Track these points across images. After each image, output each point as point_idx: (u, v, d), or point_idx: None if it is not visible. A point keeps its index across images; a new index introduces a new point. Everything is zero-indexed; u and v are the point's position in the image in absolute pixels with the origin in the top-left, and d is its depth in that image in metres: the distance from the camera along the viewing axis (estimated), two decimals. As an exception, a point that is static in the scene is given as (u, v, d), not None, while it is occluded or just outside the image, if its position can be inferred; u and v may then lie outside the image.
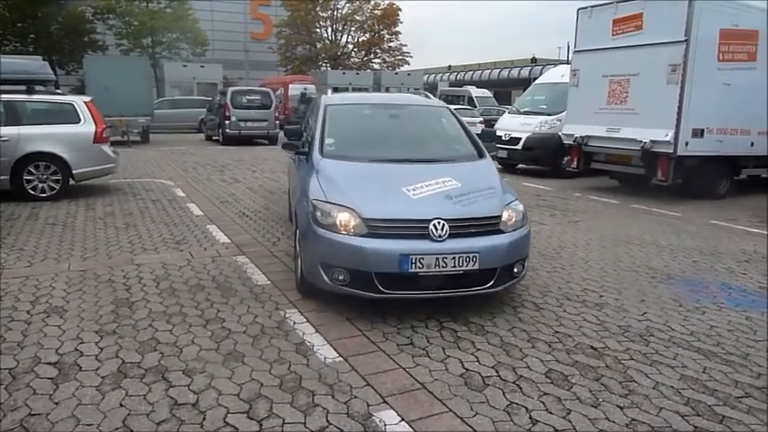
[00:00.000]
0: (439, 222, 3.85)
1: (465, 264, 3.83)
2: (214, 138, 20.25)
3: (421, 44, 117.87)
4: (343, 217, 3.92)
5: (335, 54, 44.81)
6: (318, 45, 45.48)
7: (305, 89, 27.27)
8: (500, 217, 4.12)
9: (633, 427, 2.77)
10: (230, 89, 19.87)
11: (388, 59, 46.38)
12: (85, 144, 8.54)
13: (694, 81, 8.66)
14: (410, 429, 2.69)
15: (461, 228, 3.92)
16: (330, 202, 4.03)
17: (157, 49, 36.23)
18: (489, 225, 4.06)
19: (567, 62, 14.07)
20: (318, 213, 4.02)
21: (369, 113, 5.65)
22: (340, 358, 3.43)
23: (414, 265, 3.72)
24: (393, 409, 2.85)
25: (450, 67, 57.04)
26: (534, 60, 48.23)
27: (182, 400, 2.93)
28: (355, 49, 46.44)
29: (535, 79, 16.68)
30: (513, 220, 4.20)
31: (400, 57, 46.28)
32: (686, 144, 8.87)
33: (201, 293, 4.49)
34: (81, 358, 3.36)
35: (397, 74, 37.26)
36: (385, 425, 2.73)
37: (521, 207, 4.37)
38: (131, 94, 17.04)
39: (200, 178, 11.00)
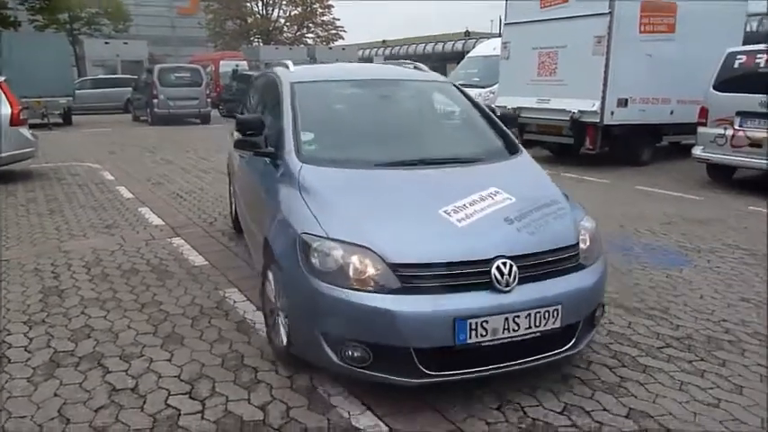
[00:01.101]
0: (504, 263, 2.57)
1: (543, 322, 2.60)
2: (142, 118, 19.47)
3: (355, 18, 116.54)
4: (357, 262, 2.55)
5: (267, 29, 43.75)
6: (249, 20, 44.22)
7: (237, 65, 26.54)
8: (578, 245, 2.88)
9: (565, 380, 2.93)
10: (157, 67, 19.10)
11: (321, 34, 45.78)
12: (2, 127, 8.03)
13: (618, 52, 9.00)
14: (350, 406, 2.73)
15: (534, 268, 2.67)
16: (333, 239, 2.62)
17: (76, 25, 34.28)
18: (567, 259, 2.80)
19: (499, 35, 14.29)
20: (315, 257, 2.60)
21: (352, 93, 4.11)
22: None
23: (474, 333, 2.48)
24: (337, 383, 2.88)
25: (384, 41, 56.80)
26: (468, 34, 48.62)
27: (120, 385, 2.86)
28: (287, 24, 45.50)
29: (468, 52, 16.86)
30: (591, 245, 2.95)
31: (334, 31, 45.77)
32: (612, 113, 9.25)
33: (136, 278, 4.37)
34: (9, 350, 3.22)
35: (331, 49, 36.89)
36: (329, 395, 2.77)
37: (594, 224, 3.10)
38: (49, 73, 16.08)
39: (129, 160, 10.59)
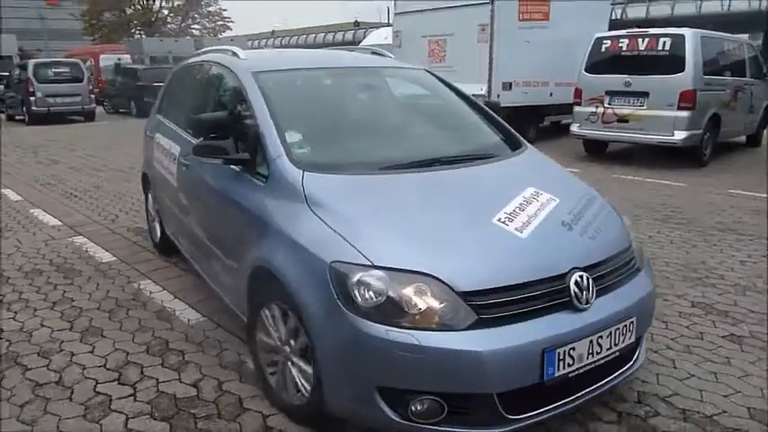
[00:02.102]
0: (581, 276, 2.20)
1: (621, 339, 2.28)
2: (17, 117, 18.01)
3: (242, 9, 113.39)
4: (417, 295, 2.03)
5: (149, 20, 41.61)
6: (129, 11, 41.83)
7: (119, 59, 25.19)
8: (632, 247, 2.60)
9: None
10: (32, 62, 17.72)
11: (208, 25, 44.24)
12: None
13: (501, 39, 9.66)
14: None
15: (604, 278, 2.32)
16: (381, 267, 2.07)
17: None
18: (628, 264, 2.50)
19: (388, 24, 14.69)
20: (358, 291, 2.05)
21: (328, 84, 3.60)
22: (204, 318, 3.52)
23: (562, 364, 2.09)
24: (264, 353, 3.04)
25: (273, 32, 55.91)
26: (357, 24, 49.12)
27: (43, 380, 2.85)
28: (171, 15, 43.51)
29: (359, 42, 17.15)
30: (637, 244, 2.68)
31: (221, 22, 44.39)
32: (498, 96, 9.92)
33: (40, 278, 4.23)
34: None
35: (219, 40, 35.78)
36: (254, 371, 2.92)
37: (628, 220, 2.83)
38: None
39: (9, 162, 9.86)
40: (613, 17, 15.70)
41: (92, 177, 8.28)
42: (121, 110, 20.15)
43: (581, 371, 2.14)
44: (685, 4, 30.83)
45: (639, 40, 8.54)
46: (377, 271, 2.05)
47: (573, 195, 2.71)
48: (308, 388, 2.33)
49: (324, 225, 2.28)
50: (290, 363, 2.44)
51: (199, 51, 4.41)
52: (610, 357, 2.24)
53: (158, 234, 4.64)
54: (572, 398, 2.18)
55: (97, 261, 4.58)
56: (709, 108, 8.49)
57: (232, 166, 2.87)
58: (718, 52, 9.05)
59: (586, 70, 9.08)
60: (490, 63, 9.70)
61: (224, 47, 3.83)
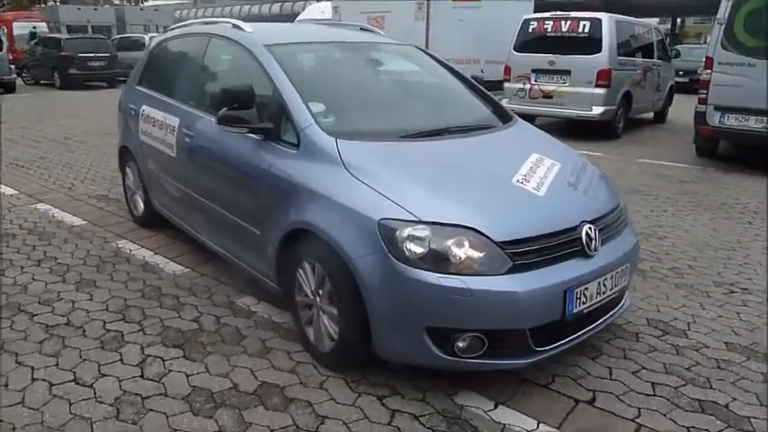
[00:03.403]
0: (590, 228, 2.57)
1: (620, 281, 2.71)
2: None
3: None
4: (461, 245, 2.31)
5: (63, -14, 39.22)
6: (40, -25, 39.22)
7: (34, 27, 23.90)
8: (621, 204, 3.02)
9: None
10: (-61, 29, 16.62)
11: (128, -7, 42.20)
12: None
13: (436, 18, 10.21)
14: (266, 308, 3.35)
15: (605, 230, 2.70)
16: (427, 222, 2.34)
17: None
18: (620, 219, 2.91)
19: (326, -1, 14.89)
20: (408, 244, 2.31)
21: (337, 58, 3.79)
22: (188, 269, 3.89)
23: (578, 302, 2.46)
24: (251, 295, 3.47)
25: (195, 1, 53.97)
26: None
27: (52, 322, 3.15)
28: (87, -19, 41.15)
29: (297, 15, 17.23)
30: (623, 204, 3.08)
31: (143, -10, 42.46)
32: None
33: (15, 241, 4.41)
34: None
35: (142, 9, 34.45)
36: (248, 306, 3.36)
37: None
38: None
39: (-64, 134, 9.50)
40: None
41: (32, 149, 8.19)
42: (43, 81, 19.25)
43: (591, 308, 2.53)
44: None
45: (562, 22, 9.32)
46: (424, 226, 2.33)
47: (570, 161, 3.11)
48: (336, 334, 2.61)
49: (367, 187, 2.51)
50: (319, 314, 2.71)
51: (181, 24, 4.60)
52: (611, 297, 2.64)
53: (141, 207, 4.66)
54: (584, 331, 2.59)
55: (68, 225, 4.79)
56: (622, 86, 9.42)
57: (252, 135, 3.04)
58: (631, 35, 9.99)
59: (515, 49, 9.80)
60: (426, 40, 10.23)
61: (217, 19, 4.09)
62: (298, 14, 17.40)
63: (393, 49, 4.14)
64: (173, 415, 2.39)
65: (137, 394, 2.52)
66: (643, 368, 2.79)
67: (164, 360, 2.80)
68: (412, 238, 2.32)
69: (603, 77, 8.99)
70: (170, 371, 2.71)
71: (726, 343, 3.06)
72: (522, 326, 2.37)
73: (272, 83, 3.09)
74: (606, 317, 2.73)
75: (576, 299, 2.44)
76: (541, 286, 2.33)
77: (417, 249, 2.31)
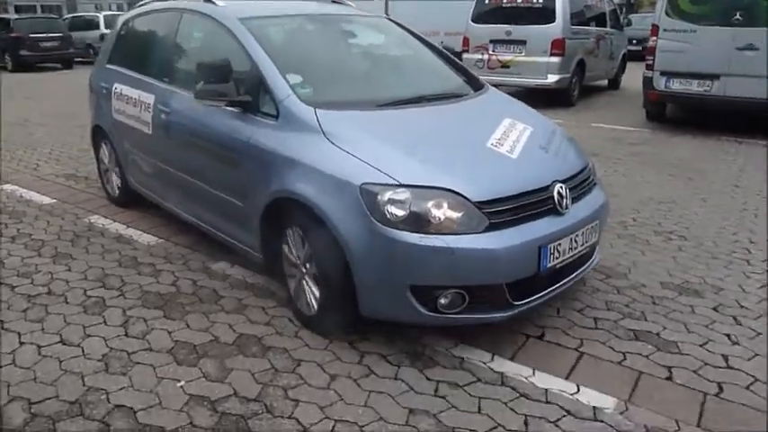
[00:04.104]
0: (562, 187, 2.69)
1: (591, 237, 2.85)
2: None
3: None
4: (439, 206, 2.42)
5: (6, -36, 37.55)
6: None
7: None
8: (589, 165, 3.14)
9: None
10: None
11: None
12: None
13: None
14: (240, 271, 3.54)
15: (575, 189, 2.83)
16: (407, 185, 2.44)
17: None
18: (589, 179, 3.04)
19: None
20: (389, 207, 2.41)
21: (310, 30, 3.83)
22: (161, 240, 4.03)
23: (552, 258, 2.58)
24: (225, 260, 3.64)
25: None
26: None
27: (33, 293, 3.28)
28: (32, -42, 39.48)
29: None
30: (592, 164, 3.20)
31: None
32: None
33: (-15, 219, 4.48)
34: None
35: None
36: (223, 270, 3.54)
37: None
38: None
39: None
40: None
41: (-11, 132, 8.08)
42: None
43: (564, 263, 2.66)
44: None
45: (517, -8, 9.54)
46: (404, 189, 2.42)
47: (540, 125, 3.23)
48: (315, 300, 2.75)
49: (346, 154, 2.61)
50: (304, 280, 2.81)
51: (148, 1, 4.54)
52: (582, 252, 2.79)
53: (117, 186, 4.67)
54: (557, 285, 2.72)
55: (38, 203, 4.85)
56: (576, 55, 9.73)
57: (230, 109, 3.11)
58: (584, 5, 10.28)
59: (473, 20, 10.00)
60: (386, 13, 10.33)
61: None
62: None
63: (365, 21, 4.18)
64: (159, 366, 2.58)
65: (123, 350, 2.70)
66: (587, 306, 3.10)
67: (146, 320, 2.97)
68: (393, 202, 2.41)
69: (558, 47, 9.27)
70: (152, 329, 2.89)
71: (661, 282, 3.39)
72: (500, 281, 2.49)
73: (248, 56, 3.13)
74: (578, 272, 2.85)
75: (550, 254, 2.56)
76: (517, 243, 2.45)
77: (398, 212, 2.40)
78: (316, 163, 2.67)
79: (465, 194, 2.44)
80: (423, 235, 2.39)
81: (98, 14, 21.39)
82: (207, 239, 3.74)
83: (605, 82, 12.10)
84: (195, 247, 3.88)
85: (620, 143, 7.17)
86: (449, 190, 2.45)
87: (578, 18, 9.84)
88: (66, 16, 23.58)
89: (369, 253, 2.47)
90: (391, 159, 2.58)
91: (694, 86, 7.50)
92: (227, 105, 3.10)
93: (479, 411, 2.29)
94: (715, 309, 3.09)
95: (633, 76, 12.23)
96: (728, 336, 2.82)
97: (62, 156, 6.50)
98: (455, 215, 2.43)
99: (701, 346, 2.74)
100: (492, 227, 2.44)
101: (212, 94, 3.04)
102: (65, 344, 2.76)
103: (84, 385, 2.45)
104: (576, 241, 2.72)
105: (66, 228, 4.28)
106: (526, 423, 2.22)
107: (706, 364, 2.60)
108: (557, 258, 2.61)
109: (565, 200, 2.68)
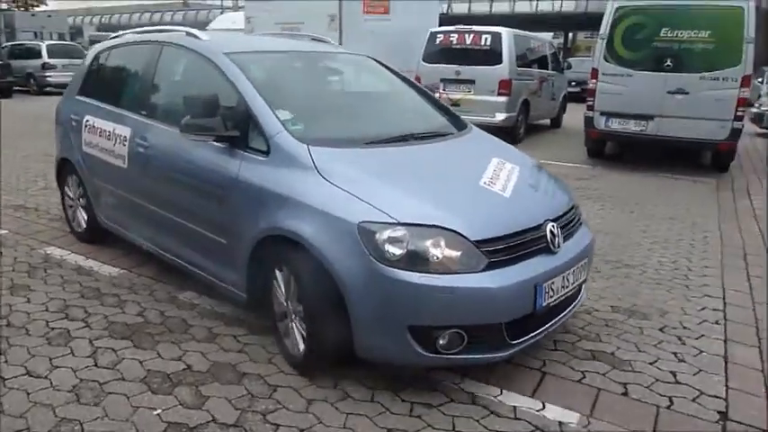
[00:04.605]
0: (553, 226, 2.72)
1: (580, 276, 2.88)
2: None
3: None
4: (438, 245, 2.40)
5: (-60, -11, 36.22)
6: None
7: None
8: (576, 204, 3.16)
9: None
10: None
11: (16, -2, 39.58)
12: None
13: (348, 30, 10.59)
14: (208, 300, 3.54)
15: (565, 228, 2.85)
16: (405, 224, 2.42)
17: None
18: (576, 217, 3.06)
19: (221, 8, 14.91)
20: (387, 245, 2.38)
21: (300, 67, 3.85)
22: (124, 270, 3.99)
23: (546, 296, 2.60)
24: (192, 290, 3.64)
25: (90, 9, 51.62)
26: (186, 4, 47.26)
27: (-8, 325, 3.20)
28: (-32, -16, 38.24)
29: (202, 24, 17.08)
30: (577, 203, 3.22)
31: (33, -5, 39.97)
32: (348, 82, 10.88)
33: (-68, 251, 4.31)
34: None
35: (34, 15, 32.41)
36: (190, 300, 3.53)
37: None
38: None
39: None
40: (441, 12, 17.45)
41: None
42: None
43: (556, 302, 2.68)
44: (501, 4, 34.46)
45: (466, 35, 10.03)
46: (402, 227, 2.39)
47: (526, 164, 3.26)
48: (302, 340, 2.67)
49: (343, 191, 2.56)
50: (292, 320, 2.74)
51: (126, 33, 4.51)
52: (571, 291, 2.81)
53: (83, 222, 4.49)
54: (550, 323, 2.73)
55: (-12, 235, 4.70)
56: (521, 95, 10.24)
57: (217, 144, 3.04)
58: (527, 48, 10.88)
59: (424, 60, 10.39)
60: (339, 43, 10.61)
61: (168, 28, 4.07)
62: (203, 24, 17.25)
63: (349, 58, 4.25)
64: (133, 395, 2.56)
65: (94, 381, 2.67)
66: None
67: (115, 350, 2.94)
68: (391, 240, 2.38)
69: (504, 87, 9.75)
70: (123, 359, 2.87)
71: (611, 306, 3.62)
72: (499, 320, 2.47)
73: (237, 91, 3.08)
74: (568, 310, 2.87)
75: (545, 293, 2.57)
76: (515, 282, 2.44)
77: (396, 251, 2.37)
78: (310, 200, 2.61)
79: (464, 233, 2.43)
80: (422, 274, 2.35)
81: (40, 43, 20.88)
82: (171, 270, 3.72)
83: (548, 121, 12.73)
84: (159, 277, 3.86)
85: (565, 177, 7.46)
86: (448, 229, 2.43)
87: (522, 60, 10.40)
88: (5, 44, 22.86)
89: (367, 292, 2.41)
90: (388, 197, 2.54)
91: (631, 126, 8.04)
92: (214, 140, 3.04)
93: (453, 429, 2.39)
94: (661, 330, 3.33)
95: (573, 116, 12.93)
96: (675, 354, 3.06)
97: (8, 187, 6.30)
98: (454, 254, 2.41)
99: (651, 363, 2.95)
100: (491, 266, 2.43)
101: (199, 129, 2.98)
102: (31, 375, 2.70)
103: (55, 416, 2.41)
104: (567, 279, 2.73)
105: (21, 259, 4.17)
106: (499, 439, 2.34)
107: (657, 380, 2.80)
108: (551, 297, 2.62)
109: (557, 238, 2.70)
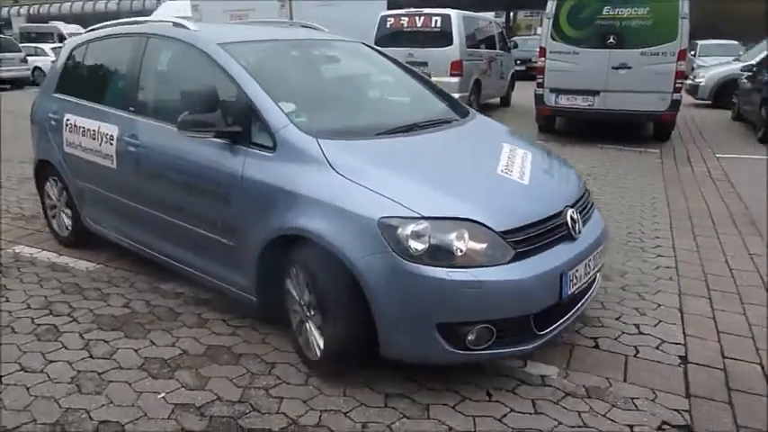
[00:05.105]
0: (573, 212, 2.67)
1: (599, 261, 2.86)
2: None
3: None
4: (463, 237, 2.32)
5: None
6: None
7: None
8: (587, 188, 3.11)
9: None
10: None
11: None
12: None
13: (299, 15, 10.56)
14: (192, 289, 3.59)
15: (582, 213, 2.80)
16: (428, 217, 2.32)
17: None
18: (589, 202, 3.02)
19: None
20: (412, 241, 2.29)
21: (297, 57, 3.68)
22: (99, 265, 3.99)
23: (571, 284, 2.54)
24: (173, 281, 3.66)
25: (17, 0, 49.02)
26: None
27: (-25, 325, 3.18)
28: None
29: (144, 13, 16.59)
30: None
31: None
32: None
33: None
34: None
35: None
36: (174, 289, 3.57)
37: None
38: None
39: None
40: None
41: None
42: None
43: (579, 289, 2.62)
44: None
45: (416, 17, 10.17)
46: (425, 221, 2.30)
47: (536, 149, 3.18)
48: (318, 341, 2.56)
49: (359, 186, 2.44)
50: (307, 321, 2.63)
51: (106, 24, 4.21)
52: (592, 277, 2.78)
53: (68, 226, 4.27)
54: (573, 311, 2.67)
55: (-50, 237, 4.59)
56: (472, 75, 10.49)
57: (217, 140, 2.87)
58: (476, 29, 11.12)
59: (376, 43, 10.43)
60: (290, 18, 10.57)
61: (151, 19, 3.87)
62: (146, 12, 16.76)
63: (344, 45, 4.02)
64: (134, 382, 2.64)
65: (92, 371, 2.72)
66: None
67: (107, 341, 2.99)
68: (415, 235, 2.28)
69: (456, 68, 9.97)
70: (117, 348, 2.92)
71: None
72: (529, 312, 2.41)
73: (235, 83, 2.90)
74: (587, 296, 2.82)
75: (570, 281, 2.52)
76: (543, 271, 2.39)
77: (420, 245, 2.28)
78: (324, 196, 2.48)
79: (488, 224, 2.35)
80: (450, 269, 2.27)
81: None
82: (149, 262, 3.70)
83: (498, 100, 13.05)
84: (137, 269, 3.88)
85: (520, 154, 7.84)
86: (472, 220, 2.34)
87: (472, 41, 10.63)
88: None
89: (392, 291, 2.31)
90: (407, 190, 2.43)
91: (579, 101, 8.40)
92: (214, 137, 2.87)
93: (444, 386, 2.58)
94: (622, 288, 3.61)
95: (521, 94, 13.33)
96: (636, 309, 3.34)
97: (-38, 188, 6.11)
98: (480, 246, 2.33)
99: (616, 319, 3.22)
100: (517, 256, 2.37)
101: (198, 125, 2.80)
102: (26, 371, 2.73)
103: (60, 407, 2.47)
104: (588, 266, 2.69)
105: (-10, 260, 4.11)
106: (489, 393, 2.56)
107: (623, 332, 3.07)
108: (575, 285, 2.57)
109: (577, 224, 2.65)
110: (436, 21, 10.06)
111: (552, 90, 8.55)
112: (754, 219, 5.00)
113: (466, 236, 2.31)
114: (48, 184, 4.42)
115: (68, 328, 3.13)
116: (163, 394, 2.55)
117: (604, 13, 8.10)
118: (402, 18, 10.29)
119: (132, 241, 3.68)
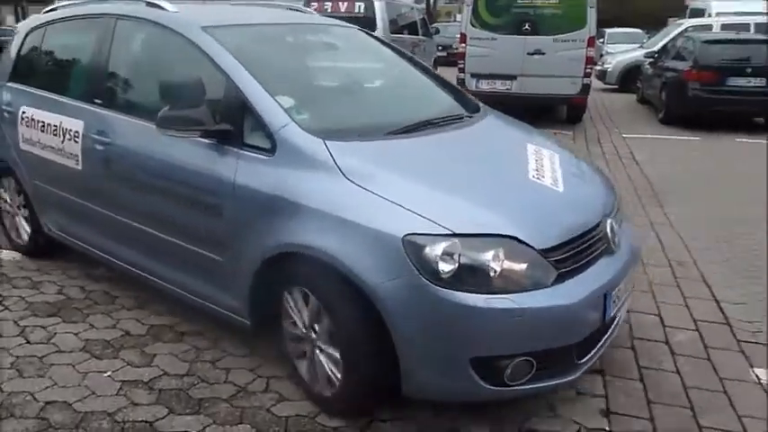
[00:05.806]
0: (611, 222, 2.36)
1: (634, 275, 2.58)
2: None
3: None
4: (500, 257, 1.98)
5: None
6: None
7: None
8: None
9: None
10: None
11: None
12: None
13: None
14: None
15: (617, 222, 2.48)
16: (461, 234, 1.98)
17: None
18: (619, 209, 2.64)
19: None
20: (443, 262, 1.94)
21: (294, 43, 3.25)
22: (19, 255, 3.89)
23: (614, 305, 2.25)
24: (103, 266, 3.64)
25: None
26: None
27: None
28: None
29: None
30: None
31: None
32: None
33: None
34: None
35: None
36: (107, 275, 3.55)
37: None
38: None
39: None
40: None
41: None
42: None
43: (619, 308, 2.34)
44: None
45: (340, 3, 10.23)
46: (457, 238, 1.95)
47: (560, 149, 2.81)
48: (339, 376, 2.21)
49: (377, 197, 2.08)
50: (316, 349, 2.30)
51: (66, 4, 3.73)
52: (630, 294, 2.50)
53: (26, 233, 3.79)
54: (609, 333, 2.33)
55: None
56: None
57: (203, 140, 2.47)
58: (398, 15, 11.31)
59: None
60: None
61: None
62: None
63: (341, 31, 3.58)
64: (77, 363, 2.66)
65: (31, 356, 2.72)
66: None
67: (44, 327, 2.98)
68: (448, 255, 1.94)
69: (381, 53, 10.11)
70: (55, 333, 2.92)
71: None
72: (573, 341, 2.10)
73: (223, 74, 2.50)
74: (621, 315, 2.47)
75: (612, 302, 2.23)
76: (588, 294, 2.07)
77: (449, 266, 1.94)
78: (335, 209, 2.11)
79: (528, 241, 2.01)
80: (489, 296, 1.94)
81: None
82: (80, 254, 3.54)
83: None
84: (67, 257, 3.81)
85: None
86: (511, 237, 2.00)
87: (395, 26, 10.81)
88: None
89: (418, 321, 1.98)
90: (433, 202, 2.07)
91: (498, 86, 8.82)
92: (201, 136, 2.45)
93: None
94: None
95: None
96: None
97: None
98: (520, 268, 1.99)
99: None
100: (560, 277, 2.04)
101: (182, 122, 2.39)
102: (-40, 361, 2.69)
103: (1, 392, 2.46)
104: (627, 283, 2.40)
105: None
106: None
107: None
108: (616, 305, 2.28)
109: (616, 236, 2.34)
110: (360, 6, 10.17)
111: (473, 75, 8.91)
112: (656, 191, 5.51)
113: (501, 255, 1.97)
114: (1, 186, 3.95)
115: (1, 316, 3.08)
116: (109, 373, 2.59)
117: (520, 1, 8.53)
118: (326, 3, 10.31)
119: (102, 252, 3.23)
